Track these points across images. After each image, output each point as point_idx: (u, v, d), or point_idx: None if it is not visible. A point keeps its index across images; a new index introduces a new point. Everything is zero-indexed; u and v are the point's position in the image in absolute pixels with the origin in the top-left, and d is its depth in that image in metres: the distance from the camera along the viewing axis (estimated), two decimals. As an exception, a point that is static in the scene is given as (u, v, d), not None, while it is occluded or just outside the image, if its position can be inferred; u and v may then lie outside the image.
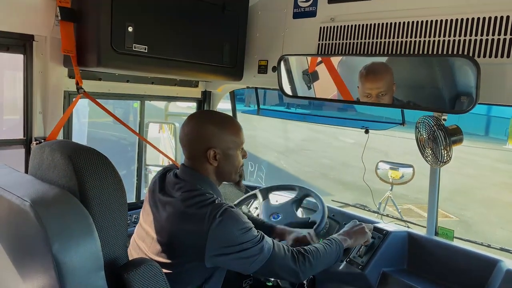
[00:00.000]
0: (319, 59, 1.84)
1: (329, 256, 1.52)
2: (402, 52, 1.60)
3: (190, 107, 2.75)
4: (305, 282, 1.95)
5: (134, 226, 1.60)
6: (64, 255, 0.95)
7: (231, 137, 1.47)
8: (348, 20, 1.75)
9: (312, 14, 1.87)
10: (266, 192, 2.12)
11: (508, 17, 1.35)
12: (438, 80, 1.52)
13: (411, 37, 1.57)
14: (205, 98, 2.57)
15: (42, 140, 1.80)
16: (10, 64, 2.01)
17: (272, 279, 1.96)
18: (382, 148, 9.18)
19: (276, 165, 9.58)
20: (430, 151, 1.63)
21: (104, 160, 1.11)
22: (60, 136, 1.82)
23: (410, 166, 2.87)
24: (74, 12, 1.66)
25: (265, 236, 1.40)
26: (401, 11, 1.60)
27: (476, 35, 1.42)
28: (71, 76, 1.86)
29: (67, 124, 1.96)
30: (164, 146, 2.89)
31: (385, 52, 1.65)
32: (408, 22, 1.57)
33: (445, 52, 1.49)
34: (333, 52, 1.81)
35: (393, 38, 1.62)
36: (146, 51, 1.72)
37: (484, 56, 1.40)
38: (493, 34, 1.38)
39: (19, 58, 1.79)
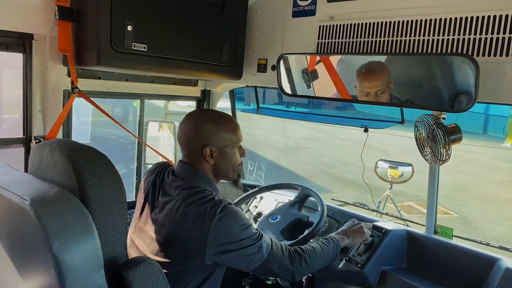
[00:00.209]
0: (318, 57, 1.84)
1: (326, 255, 1.53)
2: (402, 51, 1.60)
3: (189, 106, 2.75)
4: (304, 280, 1.96)
5: (134, 225, 1.60)
6: (64, 254, 0.96)
7: (228, 135, 1.47)
8: (348, 19, 1.75)
9: (312, 12, 1.87)
10: (266, 191, 2.13)
11: (507, 16, 1.35)
12: (437, 79, 1.52)
13: (410, 35, 1.57)
14: (205, 97, 2.57)
15: (42, 139, 1.81)
16: (10, 63, 2.01)
17: (272, 278, 1.96)
18: (382, 146, 9.18)
19: (277, 163, 9.60)
20: (429, 150, 1.63)
21: (103, 159, 1.11)
22: (60, 135, 1.83)
23: (409, 164, 2.87)
24: (73, 12, 1.66)
25: (264, 234, 1.40)
26: (401, 10, 1.60)
27: (475, 34, 1.42)
28: (70, 75, 1.86)
29: (67, 123, 1.96)
30: (164, 145, 2.89)
31: (385, 51, 1.65)
32: (408, 21, 1.58)
33: (444, 51, 1.49)
34: (332, 51, 1.81)
35: (393, 36, 1.62)
36: (146, 50, 1.72)
37: (483, 55, 1.40)
38: (492, 33, 1.38)
39: (18, 57, 1.79)
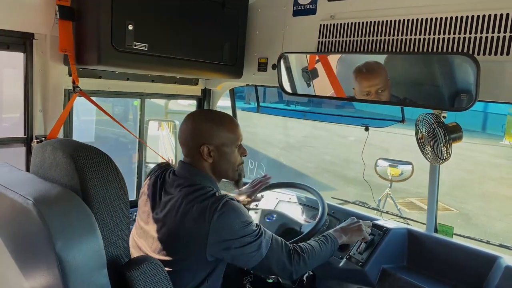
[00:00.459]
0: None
1: (324, 253, 1.54)
2: (402, 50, 1.60)
3: (190, 105, 2.75)
4: (304, 278, 1.97)
5: (136, 224, 1.61)
6: (67, 253, 0.96)
7: (226, 133, 1.47)
8: (348, 18, 1.75)
9: (312, 11, 1.88)
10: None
11: (507, 14, 1.35)
12: (438, 78, 1.52)
13: (411, 34, 1.57)
14: (205, 96, 2.57)
15: (43, 139, 1.81)
16: (10, 63, 2.01)
17: (273, 276, 1.96)
18: (383, 145, 9.19)
19: (279, 160, 9.61)
20: (429, 149, 1.63)
21: (105, 158, 1.11)
22: (61, 134, 1.83)
23: (409, 163, 2.87)
24: (73, 11, 1.66)
25: (264, 231, 1.41)
26: (401, 9, 1.60)
27: (475, 32, 1.42)
28: (71, 74, 1.86)
29: (68, 122, 1.96)
30: (164, 144, 2.89)
31: (385, 50, 1.65)
32: (408, 20, 1.58)
33: (444, 50, 1.49)
34: (333, 50, 1.81)
35: (393, 35, 1.62)
36: (146, 49, 1.72)
37: (484, 54, 1.40)
38: (493, 32, 1.38)
39: (19, 57, 1.79)
